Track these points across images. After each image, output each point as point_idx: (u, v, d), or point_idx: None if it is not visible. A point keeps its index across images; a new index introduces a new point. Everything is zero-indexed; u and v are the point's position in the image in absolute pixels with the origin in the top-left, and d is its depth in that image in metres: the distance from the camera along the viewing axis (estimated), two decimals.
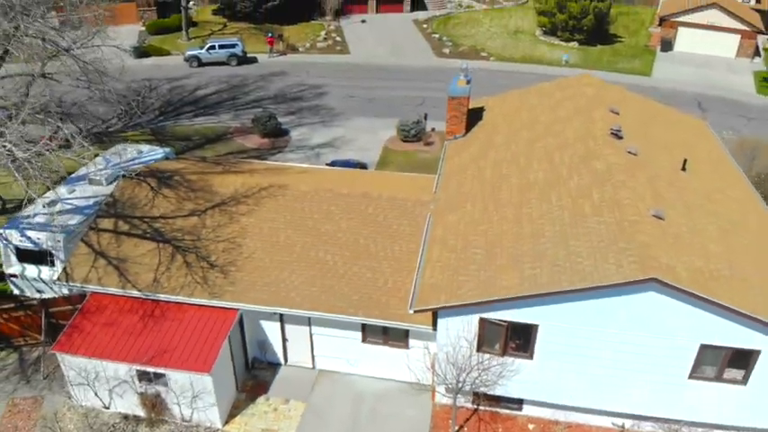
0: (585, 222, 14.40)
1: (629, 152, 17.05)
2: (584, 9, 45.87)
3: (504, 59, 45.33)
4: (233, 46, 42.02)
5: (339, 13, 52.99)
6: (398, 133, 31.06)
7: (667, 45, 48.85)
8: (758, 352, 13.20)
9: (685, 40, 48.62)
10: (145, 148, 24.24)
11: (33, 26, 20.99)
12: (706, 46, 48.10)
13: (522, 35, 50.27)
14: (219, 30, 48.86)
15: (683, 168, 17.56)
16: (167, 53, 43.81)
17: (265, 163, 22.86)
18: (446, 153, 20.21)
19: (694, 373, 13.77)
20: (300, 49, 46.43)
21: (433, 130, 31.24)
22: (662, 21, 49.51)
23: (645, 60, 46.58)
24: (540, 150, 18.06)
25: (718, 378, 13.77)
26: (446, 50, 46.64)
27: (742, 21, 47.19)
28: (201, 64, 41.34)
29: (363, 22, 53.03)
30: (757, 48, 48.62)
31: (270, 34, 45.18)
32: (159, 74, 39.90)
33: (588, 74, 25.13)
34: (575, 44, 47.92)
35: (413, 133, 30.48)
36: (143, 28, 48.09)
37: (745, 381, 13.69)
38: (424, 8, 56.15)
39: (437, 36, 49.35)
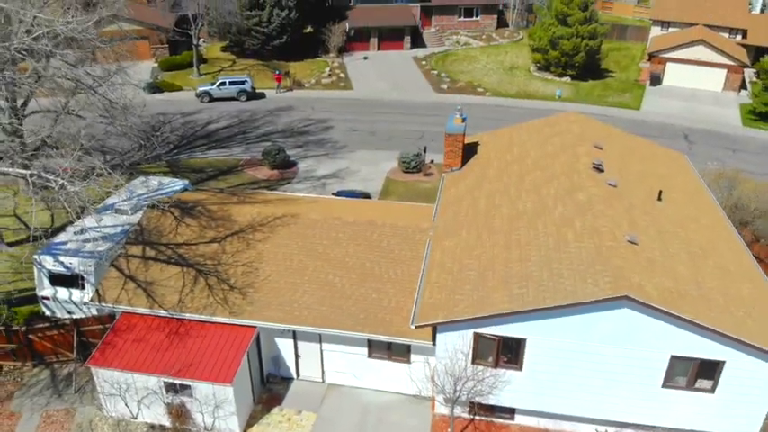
0: (568, 248, 16.14)
1: (609, 184, 18.88)
2: (575, 46, 48.32)
3: (500, 94, 47.62)
4: (242, 82, 44.34)
5: (342, 50, 55.58)
6: (400, 165, 33.02)
7: (656, 80, 51.20)
8: (723, 363, 14.79)
9: (673, 74, 51.01)
10: (165, 180, 26.16)
11: (61, 70, 23.18)
12: (693, 80, 50.47)
13: (517, 71, 52.70)
14: (229, 66, 51.32)
15: (659, 198, 19.35)
16: (179, 89, 46.12)
17: (278, 194, 24.67)
18: (444, 184, 22.06)
19: (667, 383, 15.33)
20: (306, 85, 48.77)
21: (432, 162, 33.19)
22: (651, 56, 52.00)
23: (634, 95, 48.85)
24: (529, 183, 19.89)
25: (689, 387, 15.33)
26: (444, 86, 48.99)
27: (728, 56, 49.61)
28: (212, 99, 43.60)
29: (365, 59, 55.60)
30: (744, 81, 50.90)
31: (278, 71, 47.55)
32: (172, 109, 42.10)
33: (575, 111, 27.16)
34: (567, 79, 50.28)
35: (413, 165, 32.44)
36: (155, 64, 50.55)
37: (713, 389, 15.25)
38: (423, 46, 58.80)
39: (436, 72, 51.78)
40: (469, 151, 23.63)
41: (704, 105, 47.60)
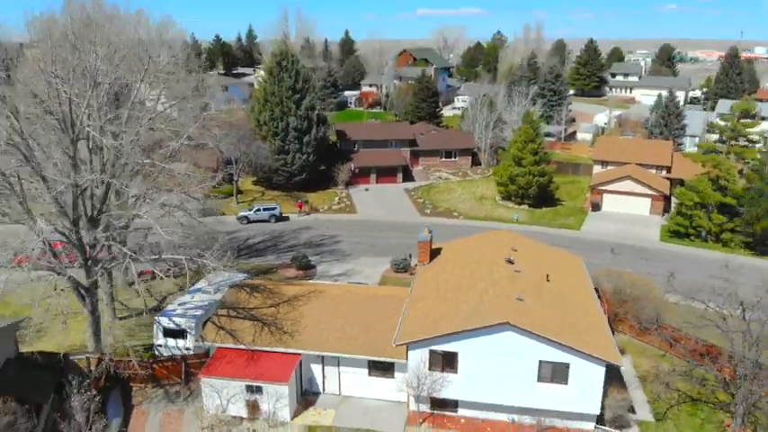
0: (483, 303, 28.09)
1: (516, 270, 31.14)
2: (528, 182, 62.48)
3: (471, 218, 61.05)
4: (273, 209, 57.94)
5: (348, 183, 70.02)
6: (392, 266, 45.35)
7: (596, 206, 64.88)
8: (569, 364, 26.20)
9: (609, 202, 64.75)
10: (229, 273, 38.36)
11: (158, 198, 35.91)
12: (625, 207, 64.01)
13: (486, 200, 66.67)
14: (260, 196, 65.33)
15: (548, 279, 31.53)
16: (223, 213, 59.52)
17: (310, 282, 36.79)
18: (418, 272, 34.33)
19: (539, 379, 26.61)
20: (321, 211, 62.40)
21: (416, 265, 45.48)
22: (592, 189, 66.10)
23: (578, 218, 62.22)
24: (468, 271, 32.17)
25: (553, 380, 26.59)
26: (427, 211, 62.61)
27: (650, 188, 63.53)
28: (250, 221, 56.84)
29: (366, 190, 69.88)
30: (669, 206, 64.12)
31: (299, 200, 61.38)
32: (220, 227, 55.08)
33: (528, 231, 40.08)
34: (525, 207, 63.95)
35: (402, 266, 44.76)
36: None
37: (566, 382, 26.50)
38: (412, 180, 73.50)
39: (421, 200, 65.73)
40: (436, 253, 36.15)
41: (632, 226, 60.69)
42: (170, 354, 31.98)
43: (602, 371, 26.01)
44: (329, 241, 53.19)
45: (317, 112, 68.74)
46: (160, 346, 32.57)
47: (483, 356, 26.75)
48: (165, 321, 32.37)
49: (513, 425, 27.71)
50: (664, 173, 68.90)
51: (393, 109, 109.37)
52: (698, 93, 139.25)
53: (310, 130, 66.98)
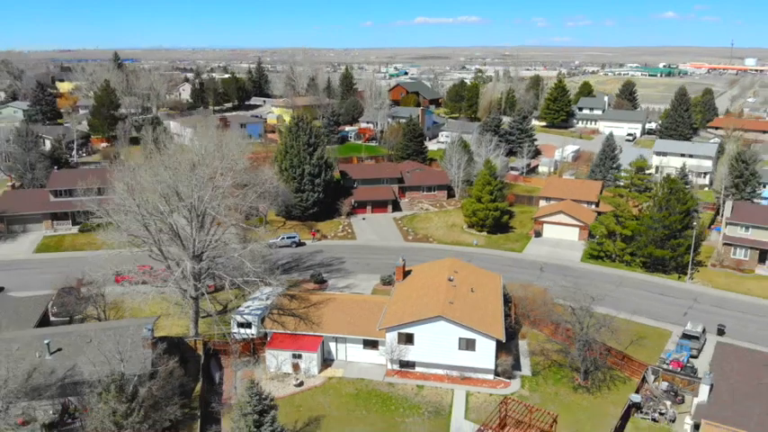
0: (428, 304, 48.35)
1: (453, 285, 51.39)
2: (486, 215, 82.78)
3: (443, 242, 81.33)
4: (294, 237, 78.20)
5: (349, 214, 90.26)
6: (381, 281, 65.55)
7: (539, 234, 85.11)
8: (475, 339, 46.44)
9: (548, 230, 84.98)
10: (274, 286, 58.50)
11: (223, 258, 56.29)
12: (560, 234, 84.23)
13: (455, 227, 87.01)
14: (282, 226, 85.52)
15: (472, 290, 51.78)
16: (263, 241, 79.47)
17: (325, 292, 57.04)
18: (395, 286, 54.66)
19: (459, 348, 46.87)
20: (329, 237, 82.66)
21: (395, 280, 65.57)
22: (535, 220, 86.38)
23: (523, 243, 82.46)
24: (427, 284, 52.45)
25: (466, 349, 46.83)
26: (410, 237, 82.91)
27: (578, 219, 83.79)
28: (277, 247, 76.99)
29: (364, 219, 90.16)
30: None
31: (313, 230, 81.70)
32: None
33: (483, 253, 60.37)
34: (484, 233, 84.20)
35: (387, 281, 64.94)
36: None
37: (475, 349, 46.75)
38: (400, 210, 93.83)
39: (406, 228, 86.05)
40: (408, 273, 56.47)
41: (562, 250, 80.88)
42: (242, 337, 52.14)
43: (493, 343, 46.17)
44: (336, 262, 73.39)
45: (325, 159, 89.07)
46: (236, 333, 52.68)
47: (428, 335, 46.96)
48: (238, 317, 52.57)
49: (446, 376, 47.89)
50: (593, 207, 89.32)
51: (386, 144, 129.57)
52: (653, 125, 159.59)
53: (321, 174, 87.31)
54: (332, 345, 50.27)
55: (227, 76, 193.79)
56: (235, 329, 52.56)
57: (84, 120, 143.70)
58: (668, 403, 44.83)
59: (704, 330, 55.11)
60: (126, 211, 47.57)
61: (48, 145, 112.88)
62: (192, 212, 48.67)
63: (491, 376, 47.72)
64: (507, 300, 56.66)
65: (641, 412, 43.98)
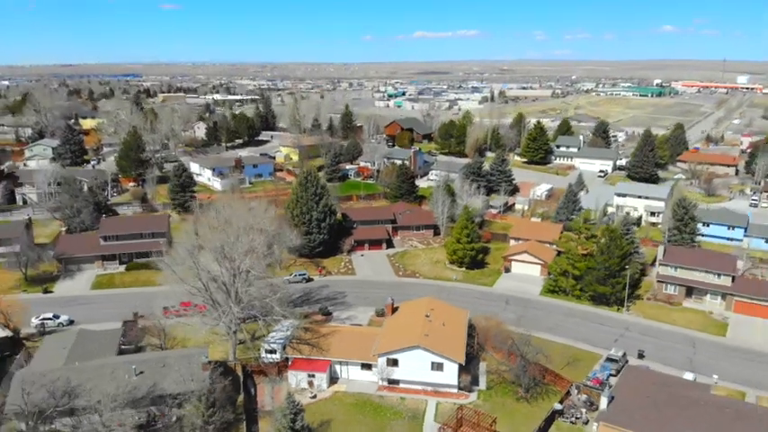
0: (411, 334, 64.75)
1: (429, 321, 67.80)
2: (464, 254, 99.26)
3: (428, 277, 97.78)
4: (304, 274, 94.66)
5: (350, 251, 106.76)
6: (375, 313, 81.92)
7: (508, 270, 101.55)
8: (443, 363, 62.81)
9: (516, 267, 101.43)
10: (293, 320, 74.84)
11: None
12: (526, 270, 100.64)
13: (439, 263, 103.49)
14: (292, 263, 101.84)
15: (443, 324, 68.19)
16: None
17: (330, 324, 73.44)
18: (386, 320, 71.10)
19: (431, 369, 63.23)
20: (333, 273, 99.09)
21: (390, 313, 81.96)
22: (505, 258, 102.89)
23: (494, 278, 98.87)
24: (407, 319, 68.86)
25: (437, 369, 63.20)
26: (401, 273, 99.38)
27: (540, 258, 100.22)
28: (290, 283, 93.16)
29: (362, 256, 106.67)
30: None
31: (320, 267, 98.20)
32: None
33: (433, 296, 76.99)
34: (463, 269, 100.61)
35: (380, 314, 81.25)
36: None
37: (443, 370, 63.12)
38: (393, 247, 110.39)
39: (397, 264, 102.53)
40: (396, 309, 72.92)
41: (526, 284, 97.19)
42: (269, 361, 68.36)
43: (456, 365, 62.50)
44: (339, 296, 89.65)
45: (329, 206, 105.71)
46: (265, 357, 68.89)
47: (409, 360, 63.29)
48: (265, 345, 68.88)
49: (422, 390, 64.14)
50: (554, 246, 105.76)
51: (382, 182, 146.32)
52: (623, 161, 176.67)
53: (326, 219, 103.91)
54: (337, 367, 66.52)
55: (237, 111, 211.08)
56: (264, 355, 68.74)
57: (110, 157, 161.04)
58: (584, 411, 61.11)
59: (624, 354, 71.48)
60: (187, 267, 64.01)
61: (85, 187, 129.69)
62: (236, 272, 65.16)
63: (455, 390, 63.95)
64: (472, 330, 73.00)
65: (564, 417, 60.24)
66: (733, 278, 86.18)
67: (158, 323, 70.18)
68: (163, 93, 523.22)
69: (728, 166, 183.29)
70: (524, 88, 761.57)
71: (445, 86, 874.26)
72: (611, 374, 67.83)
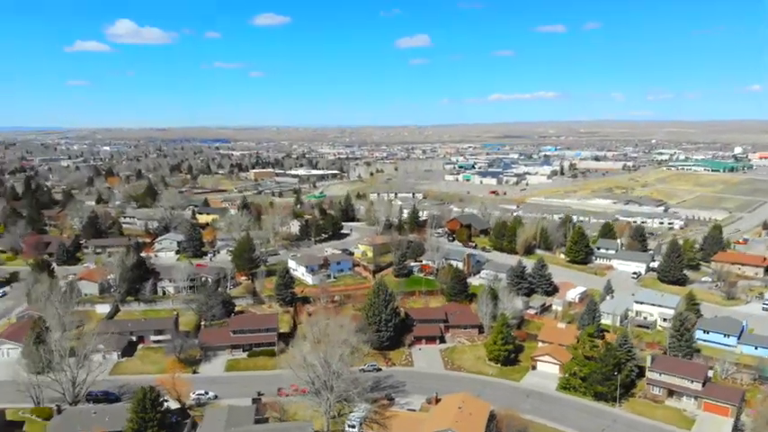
0: (446, 421, 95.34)
1: (460, 410, 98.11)
2: (499, 354, 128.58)
3: (469, 372, 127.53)
4: (374, 365, 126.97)
5: (410, 345, 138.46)
6: (426, 401, 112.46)
7: (534, 368, 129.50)
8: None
9: (540, 366, 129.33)
10: (365, 404, 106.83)
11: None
12: (548, 368, 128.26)
13: (480, 359, 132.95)
14: (366, 354, 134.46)
15: (471, 414, 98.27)
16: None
17: (394, 409, 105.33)
18: (432, 409, 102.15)
19: None
20: (396, 364, 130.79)
21: (433, 402, 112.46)
22: (532, 358, 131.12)
23: (522, 374, 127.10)
24: (446, 410, 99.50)
25: None
26: (448, 366, 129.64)
27: (558, 360, 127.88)
28: (364, 372, 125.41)
29: (420, 349, 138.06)
30: None
31: (386, 359, 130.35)
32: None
33: (467, 392, 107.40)
34: (498, 365, 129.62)
35: (429, 402, 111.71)
36: None
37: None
38: (444, 342, 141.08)
39: (446, 359, 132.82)
40: (439, 400, 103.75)
41: (547, 380, 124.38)
42: None
43: None
44: (401, 385, 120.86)
45: (395, 309, 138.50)
46: (346, 430, 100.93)
47: None
48: (348, 421, 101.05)
49: None
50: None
51: (440, 279, 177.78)
52: (656, 264, 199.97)
53: (392, 319, 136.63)
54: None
55: (319, 191, 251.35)
56: (346, 429, 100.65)
57: (222, 250, 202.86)
58: None
59: None
60: (303, 366, 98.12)
61: (210, 280, 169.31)
62: (331, 374, 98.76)
63: None
64: (492, 418, 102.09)
65: None
66: (703, 383, 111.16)
67: (278, 401, 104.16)
68: (254, 169, 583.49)
69: (757, 266, 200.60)
70: (597, 158, 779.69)
71: (516, 155, 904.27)
72: None
